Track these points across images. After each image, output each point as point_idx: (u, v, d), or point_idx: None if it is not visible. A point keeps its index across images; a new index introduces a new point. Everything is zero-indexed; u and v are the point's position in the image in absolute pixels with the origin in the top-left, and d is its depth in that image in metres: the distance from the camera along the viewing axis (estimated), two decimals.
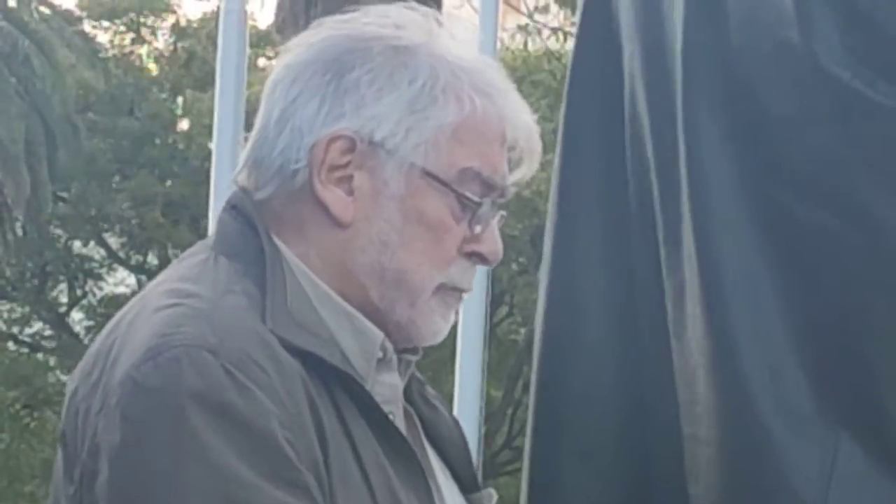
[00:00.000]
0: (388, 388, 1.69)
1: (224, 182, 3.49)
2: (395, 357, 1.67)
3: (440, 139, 1.62)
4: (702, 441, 2.02)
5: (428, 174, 1.63)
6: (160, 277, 1.72)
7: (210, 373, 1.55)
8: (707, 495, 2.00)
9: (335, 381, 1.63)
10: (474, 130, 1.64)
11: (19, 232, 19.96)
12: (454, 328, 1.74)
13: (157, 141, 20.21)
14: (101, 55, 21.08)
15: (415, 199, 1.64)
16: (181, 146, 20.09)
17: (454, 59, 1.63)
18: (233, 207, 1.71)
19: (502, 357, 17.20)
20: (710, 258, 2.04)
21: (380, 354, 1.66)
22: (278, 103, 1.64)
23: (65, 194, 20.57)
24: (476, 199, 1.63)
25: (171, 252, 18.46)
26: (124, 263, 20.82)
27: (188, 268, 1.71)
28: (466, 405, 3.21)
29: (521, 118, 1.66)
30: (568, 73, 2.28)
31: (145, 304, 1.66)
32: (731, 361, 2.00)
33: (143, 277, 19.75)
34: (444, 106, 1.61)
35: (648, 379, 2.13)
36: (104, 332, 1.69)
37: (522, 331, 17.51)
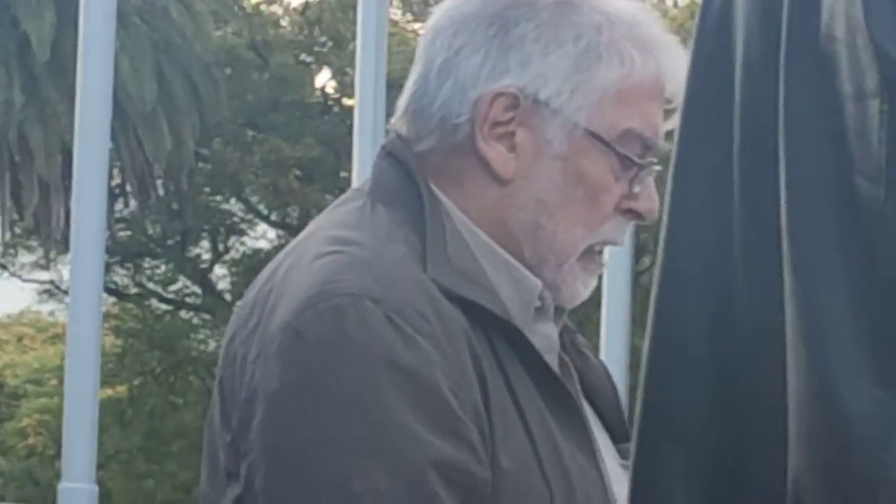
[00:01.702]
0: (545, 338, 1.70)
1: (367, 139, 3.54)
2: (552, 307, 1.68)
3: (604, 100, 1.63)
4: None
5: (591, 135, 1.63)
6: (315, 224, 1.73)
7: (372, 322, 1.56)
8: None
9: (496, 331, 1.64)
10: (636, 90, 1.65)
11: (161, 190, 20.12)
12: (599, 279, 1.74)
13: (292, 98, 20.17)
14: (237, 10, 21.16)
15: (577, 160, 1.65)
16: (317, 104, 20.18)
17: (615, 13, 1.64)
18: (389, 154, 1.72)
19: (647, 307, 17.00)
20: (799, 241, 1.97)
21: (538, 304, 1.66)
22: (440, 54, 1.64)
23: (205, 151, 20.58)
24: (637, 160, 1.64)
25: (311, 211, 18.46)
26: (265, 219, 20.87)
27: (345, 214, 1.72)
28: (613, 356, 3.20)
29: (680, 72, 1.68)
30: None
31: (303, 251, 1.66)
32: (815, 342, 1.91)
33: (284, 232, 19.92)
34: (607, 65, 1.62)
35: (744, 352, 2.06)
36: (260, 279, 1.69)
37: None
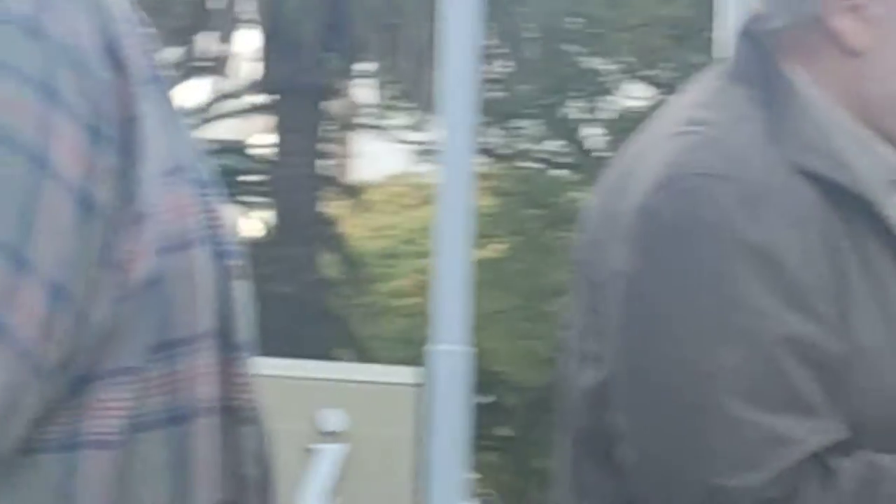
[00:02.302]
0: None
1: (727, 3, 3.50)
2: None
3: None
4: None
5: None
6: (671, 103, 1.81)
7: (723, 202, 1.60)
8: None
9: (849, 206, 1.64)
10: None
11: (532, 50, 20.36)
12: None
13: None
14: None
15: None
16: None
17: None
18: (746, 33, 1.76)
19: None
20: None
21: (893, 177, 1.68)
22: None
23: (577, 10, 20.82)
24: None
25: (681, 70, 18.47)
26: (636, 77, 20.94)
27: (700, 93, 1.77)
28: None
29: None
30: None
31: (657, 131, 1.73)
32: None
33: (654, 91, 19.90)
34: None
35: None
36: (615, 160, 1.78)
37: None
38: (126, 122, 1.22)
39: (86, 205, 1.19)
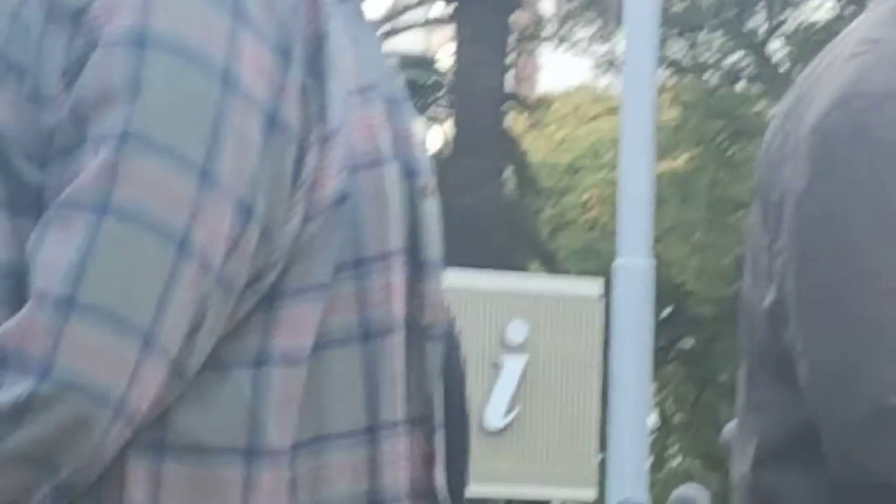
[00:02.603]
0: None
1: None
2: None
3: None
4: None
5: None
6: (853, 25, 1.75)
7: None
8: None
9: None
10: None
11: None
12: None
13: None
14: None
15: None
16: None
17: None
18: None
19: None
20: None
21: None
22: None
23: None
24: None
25: None
26: None
27: (881, 13, 1.73)
28: None
29: None
30: None
31: (838, 51, 1.70)
32: None
33: (842, 3, 19.35)
34: None
35: None
36: (799, 79, 1.77)
37: None
38: (315, 41, 1.22)
39: (273, 123, 1.19)
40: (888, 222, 1.60)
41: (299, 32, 1.23)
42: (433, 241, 1.31)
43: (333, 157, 1.23)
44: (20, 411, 1.12)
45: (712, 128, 19.42)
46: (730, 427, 4.50)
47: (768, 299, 1.71)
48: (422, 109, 17.98)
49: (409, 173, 1.30)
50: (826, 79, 1.67)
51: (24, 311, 1.14)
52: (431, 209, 1.32)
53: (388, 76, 1.35)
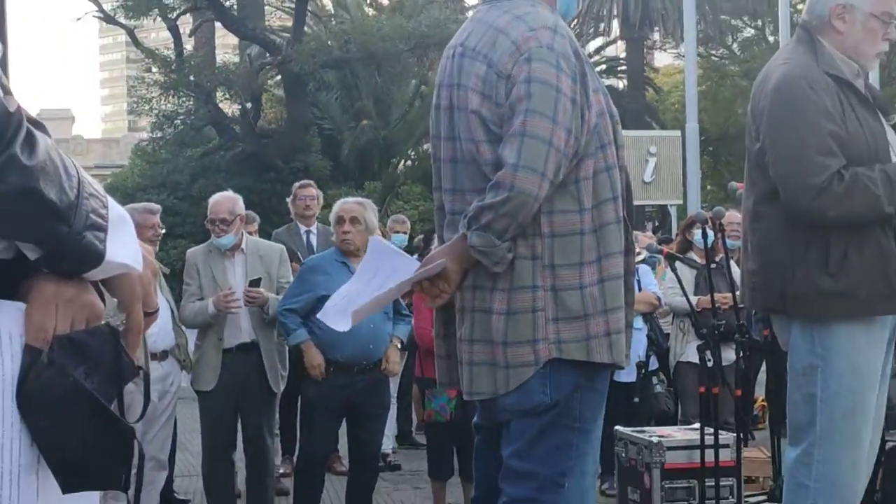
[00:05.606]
0: (860, 84, 4.37)
1: None
2: (862, 73, 4.30)
3: None
4: None
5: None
6: (782, 48, 4.12)
7: (803, 86, 4.30)
8: None
9: (843, 85, 4.30)
10: None
11: None
12: None
13: None
14: None
15: None
16: None
17: None
18: (800, 25, 4.67)
19: None
20: None
21: (857, 74, 4.46)
22: None
23: None
24: None
25: None
26: None
27: (787, 48, 4.71)
28: None
29: None
30: None
31: (776, 60, 4.91)
32: None
33: None
34: None
35: None
36: (763, 70, 4.97)
37: None
38: (581, 73, 3.70)
39: (574, 103, 3.60)
40: (805, 115, 4.17)
41: (576, 68, 3.60)
42: None
43: (591, 114, 3.63)
44: (512, 205, 3.51)
45: None
46: (731, 185, 7.49)
47: (757, 145, 4.35)
48: None
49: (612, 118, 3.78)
50: (772, 70, 4.35)
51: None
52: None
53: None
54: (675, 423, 8.18)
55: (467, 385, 3.69)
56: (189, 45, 27.24)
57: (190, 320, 7.42)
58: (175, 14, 25.15)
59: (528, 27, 3.55)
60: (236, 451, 7.64)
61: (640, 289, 8.38)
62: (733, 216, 8.56)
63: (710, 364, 6.91)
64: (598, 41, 35.32)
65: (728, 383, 7.51)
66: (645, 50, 35.33)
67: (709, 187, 29.81)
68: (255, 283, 7.34)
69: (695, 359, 7.76)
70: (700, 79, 25.26)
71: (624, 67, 34.56)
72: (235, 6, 24.95)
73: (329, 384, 7.04)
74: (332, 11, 28.86)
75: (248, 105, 24.52)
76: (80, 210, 1.64)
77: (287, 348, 7.48)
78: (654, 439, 6.53)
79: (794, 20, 15.34)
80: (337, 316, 3.65)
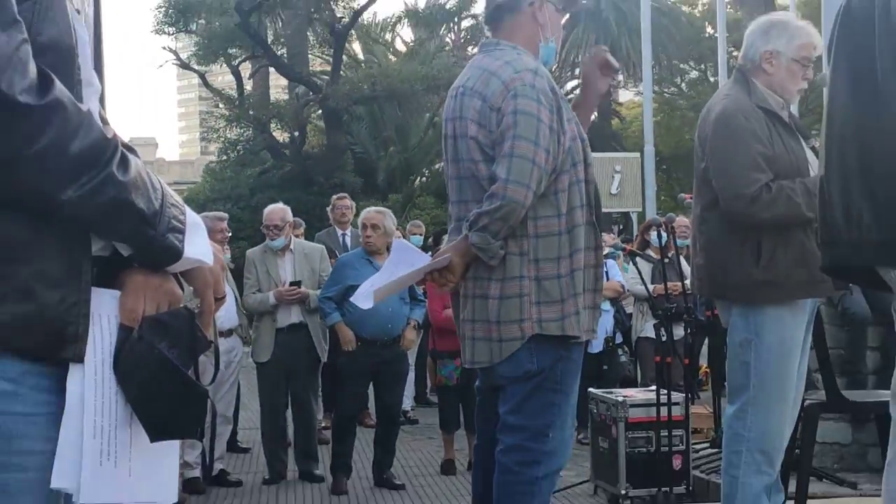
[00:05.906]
0: (785, 113, 4.30)
1: None
2: (785, 105, 4.28)
3: None
4: None
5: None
6: (723, 85, 3.94)
7: (739, 117, 4.23)
8: None
9: (771, 115, 4.19)
10: None
11: None
12: None
13: None
14: None
15: None
16: None
17: None
18: (736, 69, 4.49)
19: None
20: None
21: (782, 106, 4.29)
22: None
23: None
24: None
25: None
26: None
27: (727, 86, 4.45)
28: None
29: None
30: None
31: (718, 95, 4.90)
32: None
33: None
34: None
35: None
36: (708, 102, 4.63)
37: None
38: (556, 105, 3.71)
39: (552, 129, 3.63)
40: (737, 141, 4.06)
41: (553, 103, 3.62)
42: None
43: (566, 139, 3.63)
44: (504, 211, 3.61)
45: None
46: (681, 196, 7.32)
47: (702, 164, 4.22)
48: None
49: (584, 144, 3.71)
50: (714, 104, 4.23)
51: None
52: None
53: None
54: (636, 386, 8.18)
55: (469, 356, 3.73)
56: (248, 86, 27.46)
57: (254, 308, 7.52)
58: (237, 61, 25.36)
59: (514, 70, 3.62)
60: (287, 409, 7.71)
61: (607, 279, 8.47)
62: (682, 221, 8.71)
63: (664, 339, 6.98)
64: (574, 83, 35.63)
65: (678, 354, 7.59)
66: (611, 88, 35.78)
67: (663, 198, 30.07)
68: (295, 283, 7.40)
69: (652, 334, 7.84)
70: (655, 111, 25.73)
71: None
72: (286, 55, 25.10)
73: (358, 355, 7.12)
74: (363, 58, 29.07)
75: (296, 133, 24.68)
76: (163, 217, 1.64)
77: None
78: (620, 398, 6.54)
79: (731, 64, 15.46)
80: (363, 297, 3.72)
